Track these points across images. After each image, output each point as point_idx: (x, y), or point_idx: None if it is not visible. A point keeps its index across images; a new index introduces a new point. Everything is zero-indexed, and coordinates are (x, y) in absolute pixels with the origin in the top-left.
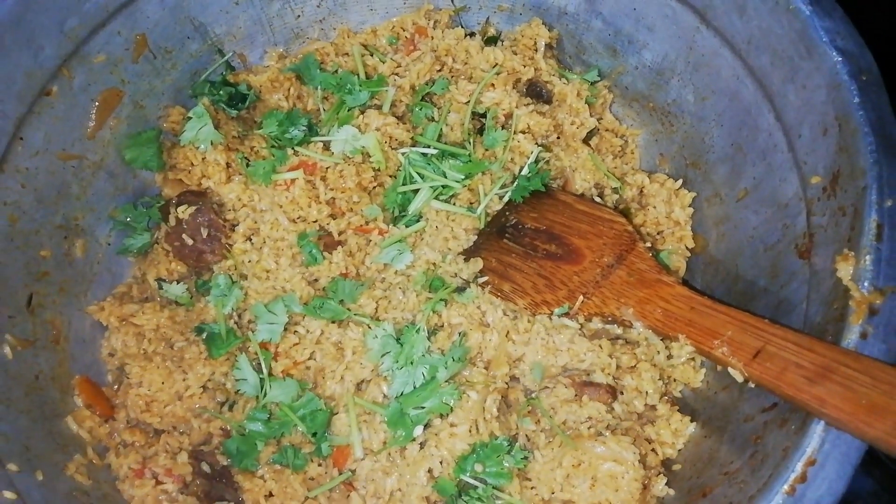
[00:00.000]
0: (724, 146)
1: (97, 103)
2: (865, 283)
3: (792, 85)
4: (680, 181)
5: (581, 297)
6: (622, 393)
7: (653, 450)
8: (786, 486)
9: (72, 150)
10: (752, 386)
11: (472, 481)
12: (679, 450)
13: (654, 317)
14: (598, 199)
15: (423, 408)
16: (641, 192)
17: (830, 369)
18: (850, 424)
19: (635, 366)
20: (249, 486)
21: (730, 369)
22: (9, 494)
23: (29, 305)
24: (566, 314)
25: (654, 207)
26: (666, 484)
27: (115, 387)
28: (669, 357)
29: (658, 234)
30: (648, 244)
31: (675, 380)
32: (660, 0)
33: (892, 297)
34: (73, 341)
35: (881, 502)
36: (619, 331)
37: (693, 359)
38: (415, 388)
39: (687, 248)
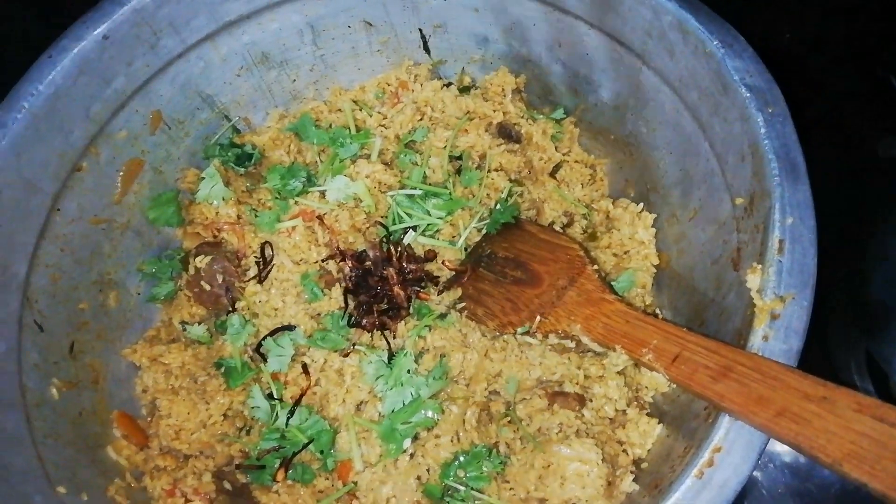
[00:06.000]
0: (675, 171)
1: (122, 173)
2: (768, 292)
3: (716, 118)
4: (642, 204)
5: (538, 317)
6: (591, 400)
7: (624, 450)
8: (695, 471)
9: (102, 215)
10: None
11: (455, 485)
12: (648, 450)
13: (597, 331)
14: (558, 229)
15: (410, 422)
16: (608, 216)
17: (730, 368)
18: (742, 414)
19: (602, 375)
20: (266, 500)
21: (654, 373)
22: None
23: (71, 352)
24: (526, 332)
25: (619, 230)
26: (633, 480)
27: (149, 419)
28: (636, 366)
29: (625, 253)
30: (596, 267)
31: (645, 386)
32: (607, 46)
33: (791, 303)
34: (111, 381)
35: None
36: (571, 345)
37: None
38: (403, 405)
39: (653, 265)
